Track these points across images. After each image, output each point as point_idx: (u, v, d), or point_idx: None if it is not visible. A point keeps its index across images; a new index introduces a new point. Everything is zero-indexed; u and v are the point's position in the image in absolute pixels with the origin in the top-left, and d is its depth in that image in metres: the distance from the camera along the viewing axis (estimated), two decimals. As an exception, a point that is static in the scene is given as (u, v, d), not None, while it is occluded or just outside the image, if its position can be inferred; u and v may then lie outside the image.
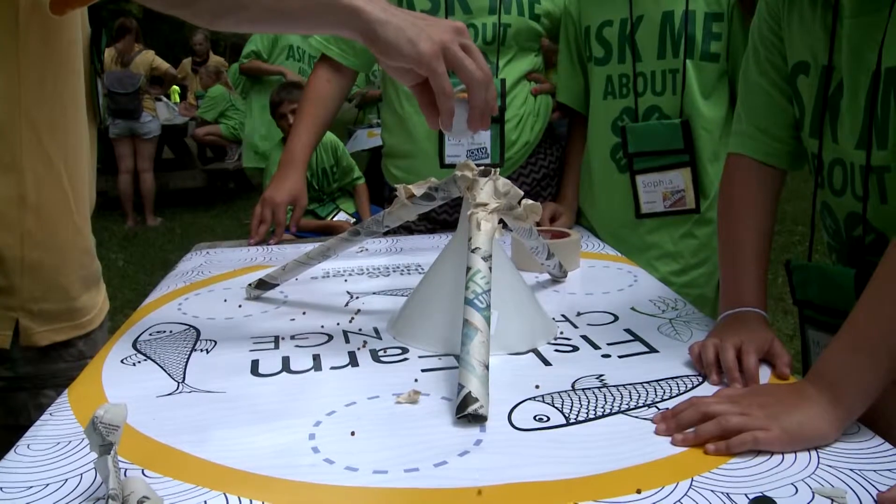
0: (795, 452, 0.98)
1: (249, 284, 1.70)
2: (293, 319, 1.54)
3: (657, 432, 1.04)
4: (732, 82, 2.04)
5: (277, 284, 1.67)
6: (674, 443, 1.02)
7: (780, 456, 0.98)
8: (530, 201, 1.45)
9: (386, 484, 0.93)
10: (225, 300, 1.69)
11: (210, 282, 1.83)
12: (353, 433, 1.05)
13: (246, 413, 1.13)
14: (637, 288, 1.70)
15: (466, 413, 1.05)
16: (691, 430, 1.02)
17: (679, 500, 0.89)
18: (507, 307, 1.32)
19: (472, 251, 1.24)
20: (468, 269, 1.22)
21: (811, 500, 0.88)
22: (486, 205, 1.31)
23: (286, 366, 1.30)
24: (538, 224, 1.62)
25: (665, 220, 2.12)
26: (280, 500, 0.90)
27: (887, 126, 1.19)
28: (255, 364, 1.31)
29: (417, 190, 1.42)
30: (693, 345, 1.27)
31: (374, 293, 1.70)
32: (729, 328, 1.28)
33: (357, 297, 1.67)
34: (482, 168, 1.34)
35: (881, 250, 1.09)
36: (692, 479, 0.93)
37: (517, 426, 1.07)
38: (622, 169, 2.14)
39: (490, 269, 1.23)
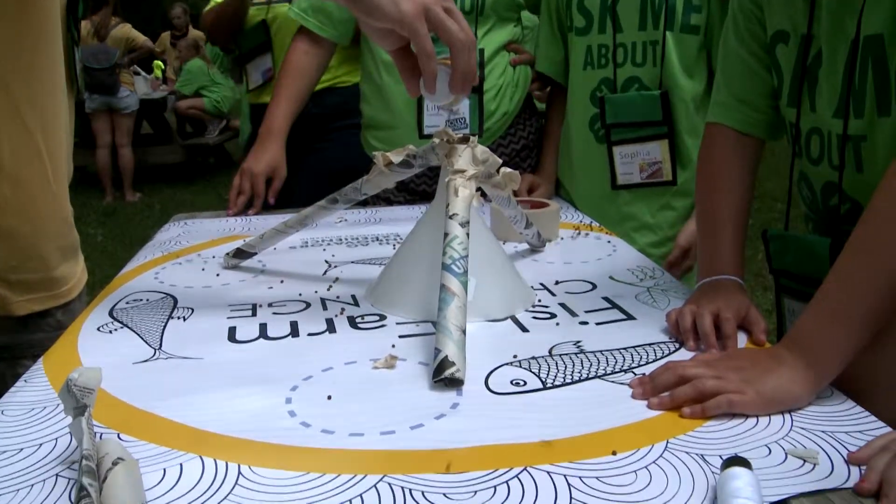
0: (769, 415, 0.99)
1: (227, 254, 1.69)
2: (271, 288, 1.53)
3: (634, 396, 1.05)
4: (711, 55, 2.04)
5: (255, 253, 1.66)
6: (650, 406, 1.02)
7: (755, 419, 0.98)
8: (509, 169, 1.45)
9: (362, 446, 0.93)
10: (203, 269, 1.68)
11: (187, 251, 1.82)
12: (329, 397, 1.05)
13: (223, 378, 1.12)
14: (616, 257, 1.70)
15: (443, 377, 1.05)
16: (667, 393, 1.03)
17: (654, 462, 0.89)
18: (484, 274, 1.32)
19: (450, 217, 1.24)
20: (445, 235, 1.22)
21: (784, 461, 0.89)
22: (463, 171, 1.30)
23: (263, 332, 1.29)
24: (516, 194, 1.62)
25: (642, 192, 2.12)
26: (256, 462, 0.90)
27: (865, 95, 1.20)
28: (232, 331, 1.30)
29: (395, 157, 1.42)
30: (670, 312, 1.27)
31: (352, 262, 1.69)
32: (706, 295, 1.29)
33: (335, 266, 1.67)
34: (461, 136, 1.33)
35: (856, 220, 1.10)
36: (667, 442, 0.93)
37: (494, 390, 1.07)
38: (600, 140, 2.13)
39: (468, 235, 1.23)
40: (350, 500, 0.83)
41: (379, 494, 0.83)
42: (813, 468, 0.87)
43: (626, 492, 0.84)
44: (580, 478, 0.86)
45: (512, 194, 1.55)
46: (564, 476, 0.86)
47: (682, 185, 2.10)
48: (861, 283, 1.04)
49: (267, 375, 1.13)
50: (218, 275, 1.63)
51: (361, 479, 0.86)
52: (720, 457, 0.89)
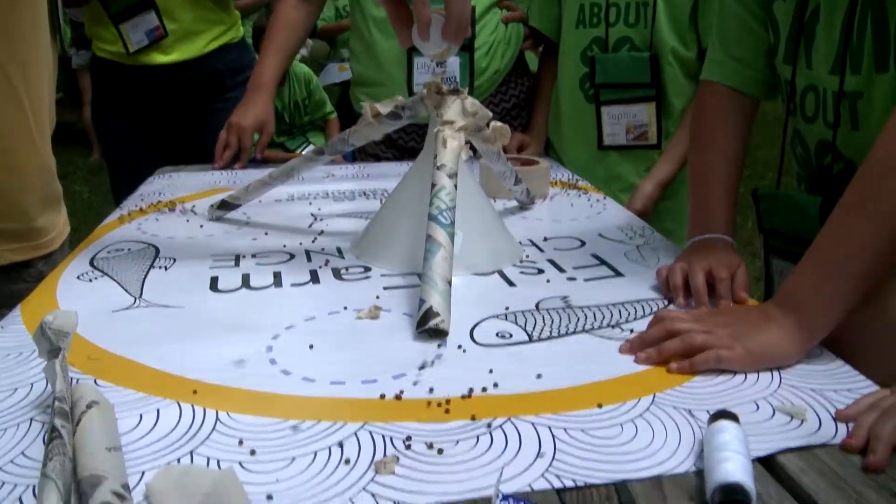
0: (758, 372, 0.98)
1: (211, 205, 1.66)
2: (255, 239, 1.51)
3: (621, 350, 1.03)
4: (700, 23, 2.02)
5: (240, 205, 1.64)
6: (637, 360, 1.01)
7: (743, 375, 0.97)
8: (499, 123, 1.42)
9: (343, 394, 0.91)
10: (187, 220, 1.65)
11: (171, 203, 1.78)
12: (311, 346, 1.03)
13: (203, 327, 1.10)
14: (605, 216, 1.68)
15: (427, 327, 1.03)
16: (655, 348, 1.01)
17: (640, 416, 0.88)
18: (472, 227, 1.30)
19: (438, 168, 1.21)
20: (433, 185, 1.20)
21: (771, 417, 0.87)
22: (452, 123, 1.28)
23: (246, 282, 1.27)
24: (506, 152, 1.59)
25: (630, 154, 2.11)
26: (235, 409, 0.88)
27: (862, 51, 1.17)
28: (214, 280, 1.28)
29: (384, 108, 1.39)
30: (660, 268, 1.26)
31: (338, 216, 1.67)
32: (697, 253, 1.27)
33: (321, 220, 1.64)
34: (451, 88, 1.30)
35: (849, 180, 1.08)
36: (654, 396, 0.92)
37: (479, 342, 1.05)
38: (589, 100, 2.11)
39: (455, 186, 1.21)
40: (329, 448, 0.80)
41: (359, 442, 0.82)
42: (801, 424, 0.86)
43: (612, 444, 0.82)
44: (564, 429, 0.85)
45: (502, 150, 1.52)
46: (549, 427, 0.85)
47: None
48: (854, 240, 1.02)
49: (248, 324, 1.11)
50: (202, 226, 1.61)
51: (342, 427, 0.84)
52: (707, 412, 0.88)
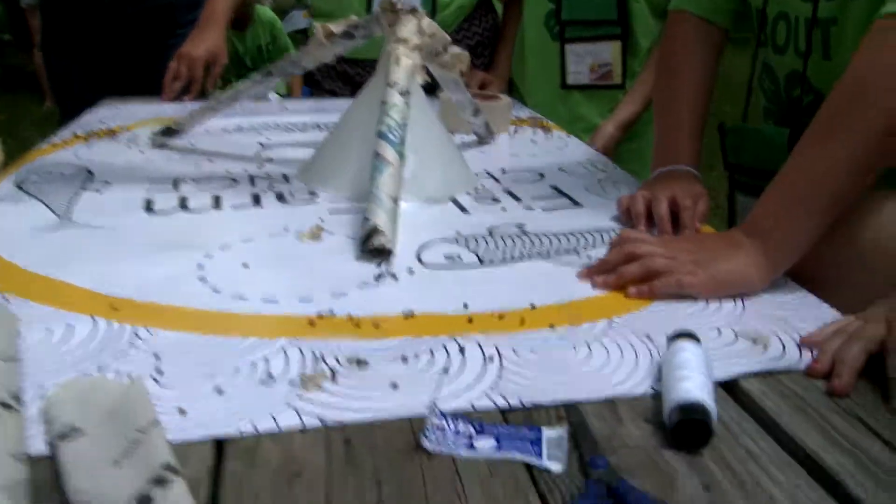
0: (720, 299, 0.91)
1: (154, 132, 1.57)
2: (197, 165, 1.43)
3: (579, 276, 0.97)
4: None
5: (184, 132, 1.55)
6: (594, 285, 0.95)
7: (705, 302, 0.91)
8: (458, 49, 1.35)
9: (276, 311, 0.84)
10: (128, 147, 1.56)
11: (113, 132, 1.69)
12: (246, 265, 0.96)
13: (132, 247, 1.03)
14: (567, 152, 1.62)
15: (371, 246, 0.96)
16: (613, 273, 0.95)
17: (596, 339, 0.81)
18: (425, 152, 1.23)
19: (390, 85, 1.14)
20: (383, 103, 1.12)
21: (734, 342, 0.82)
22: (407, 41, 1.20)
23: (183, 204, 1.20)
24: (467, 87, 1.52)
25: (593, 94, 2.04)
26: (155, 324, 0.81)
27: (837, -26, 1.11)
28: (149, 203, 1.20)
29: (336, 28, 1.31)
30: (622, 197, 1.19)
31: (288, 145, 1.58)
32: (660, 182, 1.21)
33: (269, 148, 1.56)
34: (408, 7, 1.22)
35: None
36: (611, 320, 0.86)
37: (425, 263, 0.98)
38: (554, 37, 2.04)
39: (407, 105, 1.13)
40: (254, 363, 0.74)
41: (287, 357, 0.75)
42: (764, 350, 0.80)
43: (563, 366, 0.76)
44: (513, 349, 0.79)
45: (460, 77, 1.45)
46: (495, 346, 0.78)
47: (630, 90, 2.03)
48: (821, 167, 0.97)
49: (181, 244, 1.03)
50: (142, 152, 1.52)
51: (270, 343, 0.77)
52: (666, 336, 0.81)
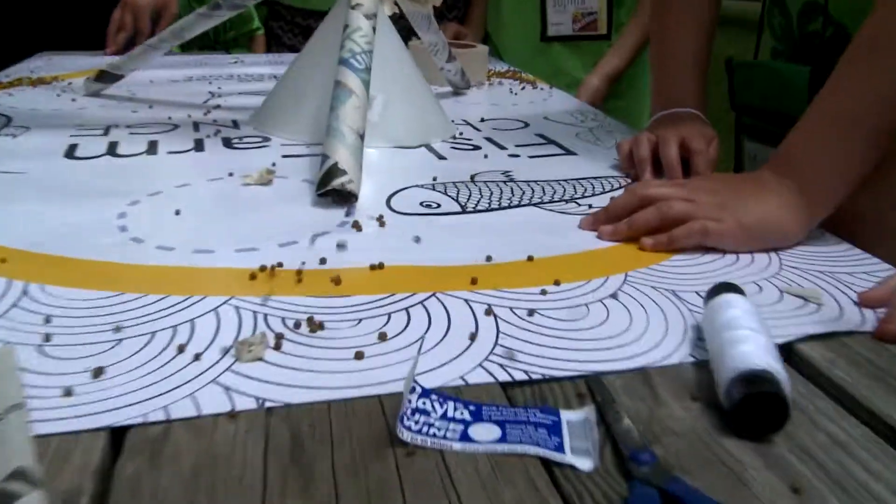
0: (752, 252, 0.74)
1: (88, 77, 1.38)
2: (135, 112, 1.24)
3: (581, 225, 0.80)
4: None
5: (122, 76, 1.35)
6: (601, 235, 0.78)
7: (734, 256, 0.74)
8: (431, -21, 1.17)
9: (209, 263, 0.66)
10: (57, 95, 1.37)
11: (43, 80, 1.49)
12: (177, 212, 0.77)
13: (39, 192, 0.85)
14: (551, 102, 1.45)
15: (331, 188, 0.78)
16: (624, 221, 0.78)
17: (610, 296, 0.65)
18: (394, 91, 1.05)
19: (353, 7, 0.96)
20: (345, 28, 0.94)
21: (779, 300, 0.65)
22: (373, -39, 1.01)
23: (112, 150, 1.01)
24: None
25: (577, 46, 1.88)
26: (51, 280, 0.63)
27: None
28: (71, 148, 1.02)
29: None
30: (621, 141, 1.03)
31: (240, 93, 1.40)
32: (664, 124, 1.04)
33: (219, 96, 1.37)
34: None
35: (843, 46, 0.85)
36: (626, 274, 0.68)
37: (397, 210, 0.80)
38: (533, -15, 1.87)
39: (374, 30, 0.95)
40: (175, 328, 0.56)
41: (218, 320, 0.57)
42: (818, 309, 0.63)
43: (574, 329, 0.59)
44: (511, 308, 0.61)
45: (433, 14, 1.27)
46: (488, 305, 0.61)
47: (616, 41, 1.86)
48: (868, 91, 0.80)
49: (104, 191, 0.85)
50: (74, 100, 1.32)
51: (198, 301, 0.59)
52: (697, 293, 0.65)
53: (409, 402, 0.45)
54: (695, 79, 1.11)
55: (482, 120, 1.27)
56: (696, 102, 1.09)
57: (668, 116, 1.07)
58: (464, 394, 0.50)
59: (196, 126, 1.14)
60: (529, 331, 0.58)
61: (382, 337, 0.55)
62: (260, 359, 0.52)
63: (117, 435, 0.45)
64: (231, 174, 0.91)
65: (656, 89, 1.16)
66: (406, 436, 0.44)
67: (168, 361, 0.52)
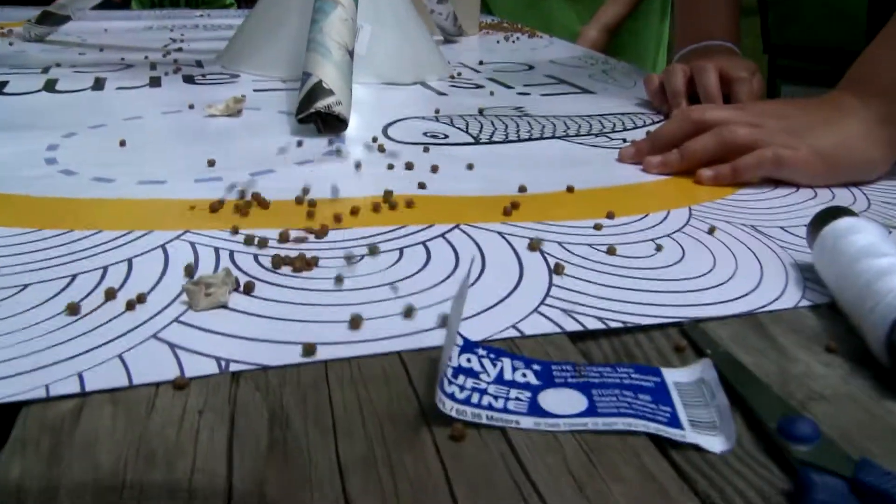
0: (830, 186, 0.59)
1: (29, 20, 1.20)
2: (83, 54, 1.07)
3: (622, 156, 0.65)
4: None
5: (69, 17, 1.18)
6: (647, 168, 0.62)
7: (810, 191, 0.59)
8: None
9: (159, 195, 0.50)
10: (-7, 40, 1.19)
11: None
12: (122, 143, 0.61)
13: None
14: (553, 48, 1.29)
15: (313, 110, 0.62)
16: (676, 151, 0.63)
17: (680, 230, 0.49)
18: (384, 22, 0.90)
19: (334, -88, 0.79)
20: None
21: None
22: None
23: (50, 87, 0.84)
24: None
25: None
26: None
27: None
28: (1, 85, 0.84)
29: None
30: (650, 75, 0.87)
31: (206, 39, 1.23)
32: (698, 56, 0.88)
33: (181, 41, 1.20)
34: None
35: None
36: (689, 209, 0.53)
37: (397, 139, 0.65)
38: (524, -73, 1.71)
39: None
40: (106, 268, 0.39)
41: (167, 256, 0.41)
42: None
43: (645, 268, 0.43)
44: (561, 243, 0.45)
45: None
46: (532, 239, 0.45)
47: None
48: None
49: (36, 124, 0.69)
50: (11, 43, 1.15)
51: (140, 237, 0.43)
52: (783, 229, 0.50)
53: (450, 359, 0.30)
54: (728, 8, 0.96)
55: (481, 63, 1.11)
56: (730, 35, 0.94)
57: (700, 50, 0.92)
58: (521, 349, 0.34)
59: (153, 66, 0.98)
60: (590, 269, 0.43)
61: (396, 274, 0.39)
62: (223, 305, 0.36)
63: (2, 417, 0.29)
64: (192, 106, 0.75)
65: (683, 21, 1.01)
66: (449, 407, 0.28)
67: (89, 313, 0.35)
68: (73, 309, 0.35)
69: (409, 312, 0.36)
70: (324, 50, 0.67)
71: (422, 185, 0.55)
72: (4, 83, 0.87)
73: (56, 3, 1.18)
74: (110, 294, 0.36)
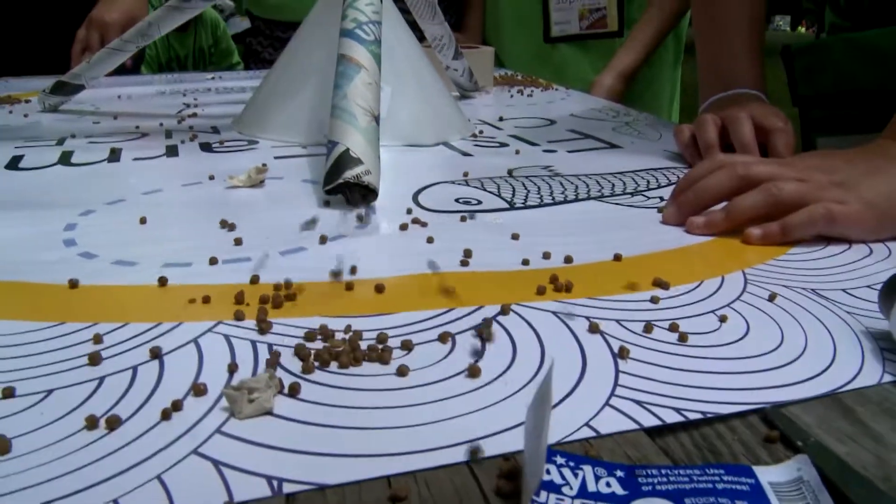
0: (884, 241, 0.56)
1: (43, 90, 1.19)
2: (97, 123, 1.05)
3: (665, 218, 0.62)
4: None
5: (83, 86, 1.17)
6: (690, 229, 0.59)
7: (865, 247, 0.56)
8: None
9: (184, 279, 0.47)
10: (9, 112, 1.18)
11: (-4, 100, 1.31)
12: (143, 220, 0.58)
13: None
14: (572, 101, 1.27)
15: (342, 181, 0.60)
16: (720, 208, 0.60)
17: (739, 300, 0.46)
18: (404, 83, 0.88)
19: (353, -27, 0.77)
20: (346, -3, 0.76)
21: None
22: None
23: (65, 160, 0.82)
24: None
25: (585, 46, 1.70)
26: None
27: None
28: (15, 160, 0.83)
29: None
30: (680, 126, 0.85)
31: (220, 103, 1.21)
32: (727, 106, 0.86)
33: (195, 106, 1.19)
34: None
35: None
36: (744, 273, 0.50)
37: (430, 208, 0.62)
38: (533, -19, 1.70)
39: (381, 1, 0.77)
40: (135, 368, 0.36)
41: (200, 353, 0.38)
42: None
43: (712, 342, 0.41)
44: (619, 321, 0.42)
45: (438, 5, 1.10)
46: (588, 318, 0.42)
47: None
48: None
49: (50, 202, 0.66)
50: (26, 115, 1.14)
51: (170, 330, 0.40)
52: (845, 291, 0.47)
53: (535, 471, 0.26)
54: (752, 63, 0.93)
55: (501, 119, 1.09)
56: (756, 82, 0.91)
57: (727, 98, 0.90)
58: (597, 450, 0.31)
59: (168, 133, 0.96)
60: (655, 350, 0.39)
61: (473, 373, 0.36)
62: (268, 412, 0.33)
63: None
64: (212, 177, 0.72)
65: (706, 68, 0.99)
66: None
67: (118, 424, 0.32)
68: (93, 423, 0.32)
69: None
70: (349, 116, 0.64)
71: (464, 262, 0.51)
72: (20, 157, 0.84)
73: (70, 73, 1.17)
74: (146, 404, 0.33)
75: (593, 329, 0.42)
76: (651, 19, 1.63)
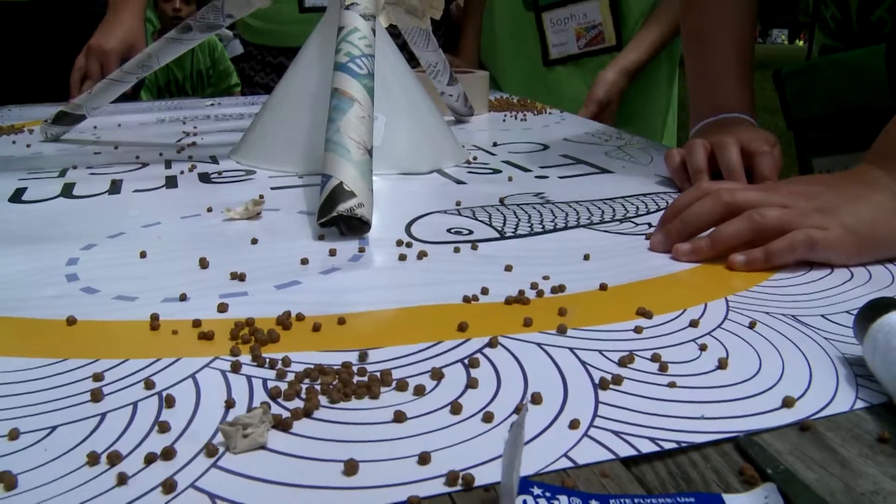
0: (866, 265, 0.58)
1: (45, 120, 1.21)
2: (98, 153, 1.07)
3: (652, 245, 0.64)
4: None
5: (84, 116, 1.19)
6: (676, 256, 0.61)
7: (846, 271, 0.57)
8: (429, -9, 1.02)
9: (184, 315, 0.49)
10: (13, 142, 1.20)
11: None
12: (143, 254, 0.60)
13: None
14: (566, 125, 1.29)
15: (335, 214, 0.61)
16: (705, 235, 0.62)
17: (720, 327, 0.47)
18: (398, 112, 0.89)
19: (347, 7, 0.79)
20: (340, 29, 0.78)
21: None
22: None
23: (67, 192, 0.84)
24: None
25: (579, 64, 1.72)
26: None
27: None
28: (18, 192, 0.85)
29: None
30: (670, 150, 0.87)
31: (218, 131, 1.23)
32: (717, 130, 0.88)
33: (195, 134, 1.21)
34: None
35: None
36: (726, 300, 0.52)
37: (422, 239, 0.64)
38: (528, 6, 1.72)
39: (373, 32, 0.79)
40: (135, 405, 0.38)
41: (198, 390, 0.39)
42: None
43: (691, 371, 0.43)
44: (602, 352, 0.44)
45: (432, 31, 1.12)
46: (571, 349, 0.44)
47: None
48: None
49: (52, 236, 0.68)
50: (29, 146, 1.16)
51: (170, 365, 0.42)
52: (823, 317, 0.48)
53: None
54: (740, 85, 0.95)
55: (495, 144, 1.11)
56: (745, 105, 0.93)
57: (717, 123, 0.92)
58: (574, 480, 0.33)
59: (168, 164, 0.98)
60: (635, 380, 0.41)
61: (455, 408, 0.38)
62: (262, 446, 0.34)
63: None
64: (210, 209, 0.74)
65: (696, 92, 1.01)
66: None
67: (119, 461, 0.34)
68: (95, 459, 0.33)
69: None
70: (342, 150, 0.66)
71: (467, 300, 0.53)
72: (23, 190, 0.86)
73: (71, 103, 1.19)
74: (145, 439, 0.35)
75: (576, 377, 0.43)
76: (658, 19, 1.64)
